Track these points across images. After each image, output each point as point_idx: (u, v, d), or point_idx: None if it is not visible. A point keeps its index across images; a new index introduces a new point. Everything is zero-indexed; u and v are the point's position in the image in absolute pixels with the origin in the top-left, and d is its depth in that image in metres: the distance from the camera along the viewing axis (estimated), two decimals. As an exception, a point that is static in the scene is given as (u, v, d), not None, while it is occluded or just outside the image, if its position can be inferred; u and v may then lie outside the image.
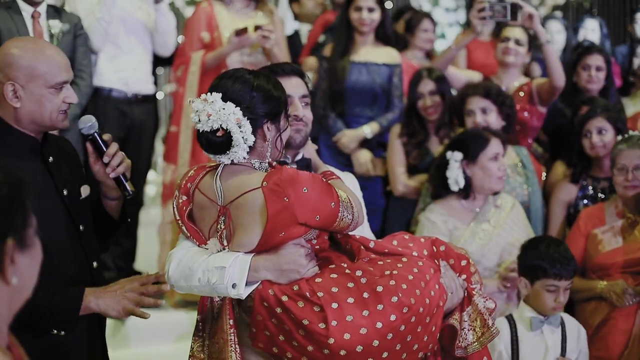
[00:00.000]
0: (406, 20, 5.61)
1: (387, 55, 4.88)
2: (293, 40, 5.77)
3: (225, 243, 2.40)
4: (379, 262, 2.36)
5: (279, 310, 2.29)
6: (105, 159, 2.57)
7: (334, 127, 4.82)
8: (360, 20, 4.80)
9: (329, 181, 2.47)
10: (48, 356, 2.46)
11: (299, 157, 2.72)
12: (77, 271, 2.55)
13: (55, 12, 4.52)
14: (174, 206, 2.48)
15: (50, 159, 2.55)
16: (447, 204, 3.91)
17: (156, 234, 5.08)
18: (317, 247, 2.43)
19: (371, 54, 4.87)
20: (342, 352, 2.21)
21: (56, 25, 4.44)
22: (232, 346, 2.34)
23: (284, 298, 2.29)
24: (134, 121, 4.93)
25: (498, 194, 3.93)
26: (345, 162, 4.75)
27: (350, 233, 2.48)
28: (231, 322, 2.37)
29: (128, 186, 2.60)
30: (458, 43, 4.84)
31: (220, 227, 2.40)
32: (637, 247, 3.73)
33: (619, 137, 4.02)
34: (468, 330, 2.51)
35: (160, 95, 6.49)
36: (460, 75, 4.93)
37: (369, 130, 4.79)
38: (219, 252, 2.39)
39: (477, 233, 3.81)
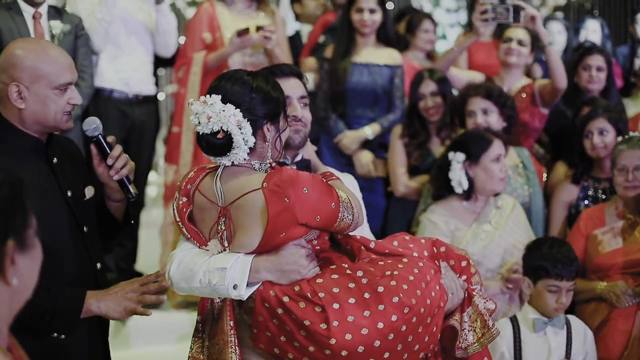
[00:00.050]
0: (407, 20, 5.61)
1: (388, 56, 4.88)
2: (294, 40, 5.77)
3: (225, 244, 2.39)
4: (379, 263, 2.36)
5: (280, 311, 2.29)
6: (109, 161, 2.56)
7: (335, 128, 4.82)
8: (361, 21, 4.80)
9: (328, 182, 2.47)
10: (49, 358, 2.46)
11: (298, 158, 2.73)
12: (80, 272, 2.55)
13: (57, 12, 4.52)
14: (174, 208, 2.48)
15: (55, 159, 2.55)
16: (448, 205, 3.90)
17: (157, 235, 5.09)
18: (318, 247, 2.43)
19: (372, 55, 4.87)
20: (344, 353, 2.21)
21: (57, 26, 4.44)
22: (232, 347, 2.34)
23: (285, 299, 2.29)
24: (134, 122, 4.93)
25: (499, 194, 3.93)
26: (346, 163, 4.75)
27: (350, 233, 2.48)
28: (231, 323, 2.37)
29: (131, 188, 2.60)
30: (460, 45, 4.83)
31: (221, 229, 2.39)
32: (637, 248, 3.73)
33: (620, 138, 4.03)
34: (468, 331, 2.51)
35: (161, 96, 6.49)
36: (463, 76, 4.93)
37: (370, 131, 4.79)
38: (219, 253, 2.39)
39: (479, 234, 3.81)
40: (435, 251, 2.53)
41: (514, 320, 3.47)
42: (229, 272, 2.31)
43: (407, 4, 8.26)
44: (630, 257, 3.72)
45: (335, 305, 2.24)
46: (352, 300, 2.25)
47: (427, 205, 4.17)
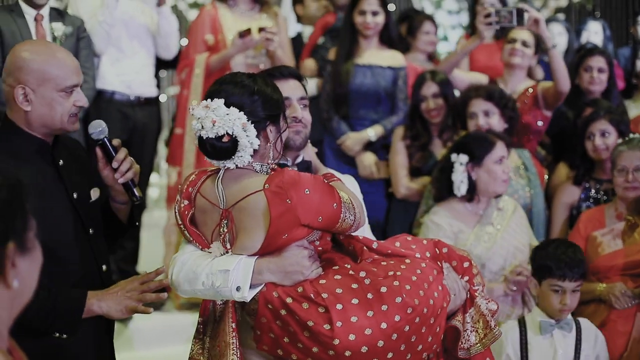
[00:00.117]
0: (407, 22, 5.60)
1: (391, 58, 4.88)
2: (296, 42, 5.77)
3: (228, 246, 2.40)
4: (382, 263, 2.37)
5: (283, 312, 2.29)
6: (114, 165, 2.57)
7: (338, 130, 4.82)
8: (364, 24, 4.80)
9: (330, 183, 2.47)
10: (54, 359, 2.46)
11: (299, 159, 2.73)
12: (86, 274, 2.55)
13: (58, 14, 4.52)
14: (176, 211, 2.48)
15: (61, 162, 2.56)
16: (451, 207, 3.90)
17: (158, 236, 5.09)
18: (320, 248, 2.44)
19: (375, 57, 4.87)
20: (347, 353, 2.22)
21: (59, 28, 4.44)
22: (233, 349, 2.34)
23: (289, 300, 2.29)
24: (136, 124, 4.93)
25: (500, 196, 3.93)
26: (349, 165, 4.75)
27: (352, 234, 2.49)
28: (233, 325, 2.37)
29: (136, 191, 2.61)
30: (464, 48, 4.83)
31: (223, 231, 2.40)
32: (637, 250, 3.73)
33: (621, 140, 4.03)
34: (470, 331, 2.52)
35: (163, 98, 6.49)
36: (466, 78, 4.93)
37: (373, 133, 4.79)
38: (222, 255, 2.39)
39: (482, 236, 3.80)
40: (438, 252, 2.54)
41: (521, 322, 3.48)
42: (232, 274, 2.32)
43: (408, 5, 8.25)
44: (630, 259, 3.72)
45: (339, 306, 2.24)
46: (355, 301, 2.26)
47: (428, 206, 4.17)
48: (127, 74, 4.90)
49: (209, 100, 2.36)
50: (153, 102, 5.11)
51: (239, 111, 2.33)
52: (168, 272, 2.49)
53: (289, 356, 2.31)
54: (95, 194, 2.65)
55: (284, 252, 2.35)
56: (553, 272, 3.40)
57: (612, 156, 3.94)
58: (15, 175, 1.40)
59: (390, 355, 2.26)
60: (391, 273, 2.32)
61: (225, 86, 2.39)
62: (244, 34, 4.73)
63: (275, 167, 2.47)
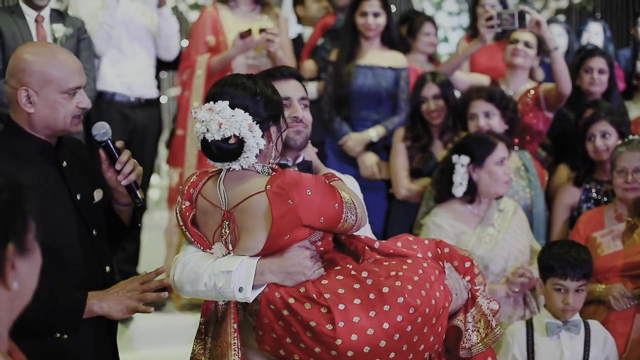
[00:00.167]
0: (408, 24, 5.60)
1: (393, 59, 4.88)
2: (296, 43, 5.77)
3: (230, 247, 2.40)
4: (384, 263, 2.38)
5: (285, 312, 2.29)
6: (118, 166, 2.57)
7: (339, 131, 4.82)
8: (366, 25, 4.80)
9: (331, 183, 2.48)
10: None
11: (299, 159, 2.73)
12: (89, 275, 2.55)
13: (59, 16, 4.53)
14: (177, 212, 2.48)
15: (64, 163, 2.56)
16: (452, 208, 3.90)
17: (159, 237, 5.09)
18: (322, 248, 2.44)
19: (377, 57, 4.87)
20: (350, 353, 2.22)
21: (60, 30, 4.45)
22: (235, 350, 2.34)
23: (291, 300, 2.30)
24: (137, 125, 4.93)
25: (501, 198, 3.93)
26: (351, 165, 4.75)
27: (354, 234, 2.49)
28: (235, 325, 2.37)
29: (139, 193, 2.62)
30: (465, 51, 4.83)
31: (225, 232, 2.40)
32: (636, 251, 3.73)
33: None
34: (472, 331, 2.53)
35: (163, 99, 6.49)
36: (467, 79, 4.93)
37: (374, 133, 4.79)
38: (224, 256, 2.40)
39: (483, 238, 3.80)
40: (439, 252, 2.54)
41: (528, 323, 3.48)
42: (235, 275, 2.32)
43: (409, 7, 8.25)
44: (630, 260, 3.72)
45: (341, 306, 2.25)
46: (357, 301, 2.26)
47: (428, 208, 4.17)
48: (128, 75, 4.90)
49: (211, 102, 2.36)
50: (153, 103, 5.11)
51: (244, 112, 2.34)
52: (170, 273, 2.49)
53: (291, 356, 2.32)
54: (98, 195, 2.65)
55: (286, 253, 2.35)
56: (555, 271, 3.41)
57: (611, 157, 3.94)
58: (16, 176, 1.40)
59: (392, 355, 2.26)
60: (393, 273, 2.32)
61: (227, 88, 2.39)
62: (245, 34, 4.73)
63: (276, 167, 2.47)
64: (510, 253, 3.80)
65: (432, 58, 5.59)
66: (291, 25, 6.37)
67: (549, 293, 3.45)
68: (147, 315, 2.53)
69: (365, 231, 2.74)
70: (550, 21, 6.22)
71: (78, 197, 2.55)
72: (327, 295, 2.27)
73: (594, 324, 3.51)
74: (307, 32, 5.92)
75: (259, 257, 2.36)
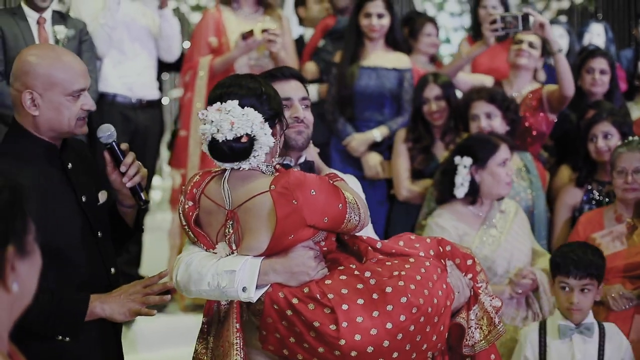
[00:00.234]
0: (409, 25, 5.60)
1: (396, 60, 4.89)
2: (298, 44, 5.77)
3: (233, 247, 2.40)
4: (387, 263, 2.38)
5: (289, 312, 2.30)
6: (122, 169, 2.58)
7: (343, 132, 4.82)
8: (370, 26, 4.81)
9: (334, 183, 2.48)
10: None
11: (301, 159, 2.73)
12: (94, 277, 2.55)
13: (61, 17, 4.53)
14: (180, 212, 2.48)
15: (69, 165, 2.56)
16: (454, 209, 3.90)
17: (161, 239, 5.09)
18: (325, 248, 2.44)
19: (381, 59, 4.87)
20: (353, 353, 2.23)
21: (61, 31, 4.45)
22: (237, 350, 2.35)
23: (295, 300, 2.30)
24: (138, 127, 4.93)
25: (502, 199, 3.92)
26: (355, 166, 4.75)
27: (356, 234, 2.50)
28: (238, 325, 2.37)
29: (143, 195, 2.62)
30: (469, 54, 4.83)
31: (229, 232, 2.40)
32: (636, 252, 3.73)
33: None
34: (475, 328, 2.53)
35: (165, 101, 6.50)
36: (470, 80, 4.92)
37: (378, 133, 4.79)
38: (227, 256, 2.40)
39: (486, 239, 3.80)
40: (441, 250, 2.55)
41: (541, 325, 3.49)
42: (238, 275, 2.32)
43: (410, 8, 8.24)
44: (629, 261, 3.72)
45: (344, 306, 2.25)
46: (360, 301, 2.27)
47: (430, 209, 4.17)
48: (129, 76, 4.90)
49: (219, 103, 2.36)
50: (155, 104, 5.12)
51: (254, 111, 2.34)
52: (172, 273, 2.49)
53: (295, 356, 2.32)
54: (102, 196, 2.65)
55: (289, 253, 2.36)
56: (560, 269, 3.43)
57: (611, 158, 3.94)
58: (16, 176, 1.39)
59: (395, 355, 2.26)
60: (396, 273, 2.32)
61: (232, 88, 2.40)
62: (247, 35, 4.73)
63: (280, 167, 2.47)
64: (512, 254, 3.80)
65: (434, 59, 5.59)
66: (292, 27, 6.37)
67: (556, 292, 3.48)
68: (150, 317, 2.53)
69: (368, 231, 2.74)
70: (551, 22, 6.20)
71: (83, 199, 2.55)
72: (330, 296, 2.27)
73: (610, 327, 3.49)
74: (309, 33, 5.92)
75: (262, 257, 2.36)
